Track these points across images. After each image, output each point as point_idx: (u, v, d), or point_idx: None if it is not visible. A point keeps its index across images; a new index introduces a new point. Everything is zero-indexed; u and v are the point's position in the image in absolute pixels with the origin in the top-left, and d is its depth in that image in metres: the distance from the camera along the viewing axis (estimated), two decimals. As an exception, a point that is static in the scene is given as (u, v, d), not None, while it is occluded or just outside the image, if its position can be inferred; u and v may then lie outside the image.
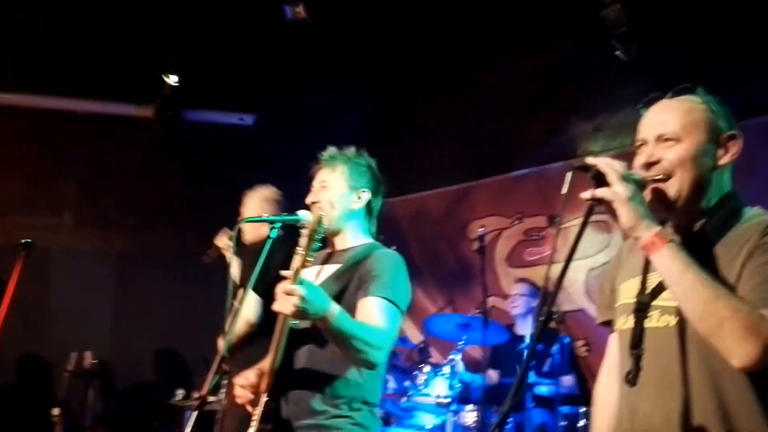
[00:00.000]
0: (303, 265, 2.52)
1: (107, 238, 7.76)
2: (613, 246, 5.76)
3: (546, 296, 5.03)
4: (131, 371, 7.46)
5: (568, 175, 1.87)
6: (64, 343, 6.91)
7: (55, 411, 6.32)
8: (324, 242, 2.97)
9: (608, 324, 2.25)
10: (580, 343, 5.72)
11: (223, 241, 5.00)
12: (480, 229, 5.81)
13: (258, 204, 4.73)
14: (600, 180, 1.88)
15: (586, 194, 1.88)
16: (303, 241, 2.58)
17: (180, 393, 6.91)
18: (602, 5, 4.95)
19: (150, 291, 7.54)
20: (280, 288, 2.45)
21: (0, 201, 7.54)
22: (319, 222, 2.61)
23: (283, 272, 2.52)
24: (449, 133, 6.91)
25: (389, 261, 2.85)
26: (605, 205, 1.88)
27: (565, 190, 1.84)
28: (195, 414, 2.50)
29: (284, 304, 2.44)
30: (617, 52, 4.97)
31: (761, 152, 4.66)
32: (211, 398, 4.88)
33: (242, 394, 2.75)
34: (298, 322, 2.66)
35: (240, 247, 4.49)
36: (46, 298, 7.24)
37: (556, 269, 1.81)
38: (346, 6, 5.65)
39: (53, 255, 7.41)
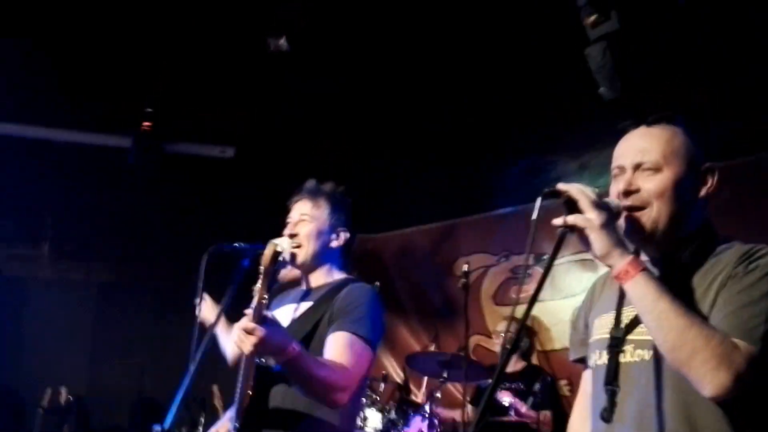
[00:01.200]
0: (260, 304, 2.51)
1: (87, 270, 7.86)
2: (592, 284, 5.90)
3: (530, 334, 5.19)
4: (108, 407, 7.46)
5: (538, 201, 1.87)
6: (39, 378, 6.96)
7: None
8: (300, 280, 3.05)
9: (581, 361, 2.24)
10: (563, 382, 5.85)
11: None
12: (465, 266, 5.89)
13: None
14: (572, 207, 1.89)
15: (557, 221, 1.89)
16: (260, 277, 2.58)
17: (156, 429, 6.95)
18: (586, 43, 5.09)
19: (129, 323, 7.58)
20: (240, 325, 2.46)
21: None
22: (274, 257, 2.61)
23: (246, 310, 2.52)
24: (433, 170, 6.99)
25: (360, 295, 2.85)
26: (577, 233, 1.88)
27: (534, 215, 1.85)
28: None
29: (244, 341, 2.45)
30: (600, 90, 5.11)
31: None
32: None
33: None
34: (262, 360, 2.68)
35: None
36: (20, 332, 7.29)
37: (541, 306, 1.87)
38: (326, 40, 5.72)
39: (30, 286, 7.52)
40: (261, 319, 2.49)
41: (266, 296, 2.55)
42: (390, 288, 6.96)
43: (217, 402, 6.48)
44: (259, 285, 2.56)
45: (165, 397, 7.06)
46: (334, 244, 3.01)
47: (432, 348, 6.79)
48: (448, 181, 7.06)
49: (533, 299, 1.81)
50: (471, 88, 6.07)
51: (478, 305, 6.87)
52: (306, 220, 2.98)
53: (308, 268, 3.00)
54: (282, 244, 2.75)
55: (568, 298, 6.06)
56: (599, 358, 2.07)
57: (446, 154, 6.83)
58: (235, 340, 2.51)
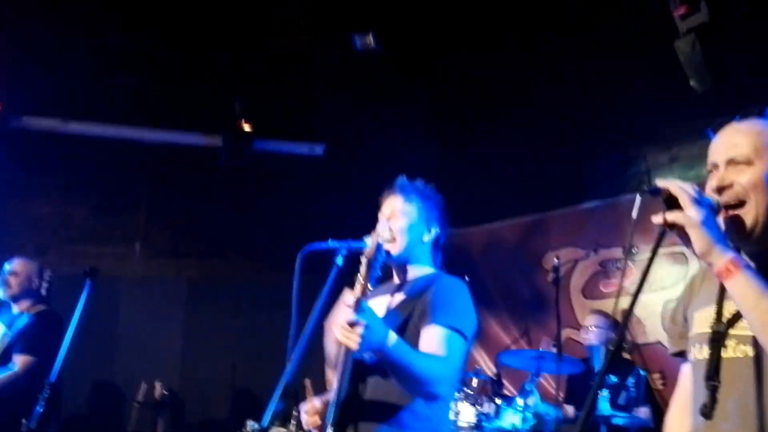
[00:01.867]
0: (363, 293, 2.58)
1: (177, 267, 8.01)
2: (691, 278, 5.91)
3: (618, 327, 5.22)
4: (202, 402, 7.58)
5: (638, 199, 1.89)
6: (133, 373, 7.14)
7: None
8: (391, 273, 3.13)
9: (681, 354, 2.23)
10: (656, 375, 5.80)
11: None
12: (555, 260, 5.98)
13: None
14: (672, 204, 1.89)
15: (657, 218, 1.89)
16: (362, 268, 2.65)
17: (251, 425, 7.18)
18: (676, 35, 5.09)
19: (220, 319, 7.66)
20: (343, 320, 2.53)
21: (71, 230, 7.88)
22: (377, 249, 2.68)
23: (346, 302, 2.62)
24: (522, 163, 7.06)
25: (453, 288, 2.92)
26: (677, 230, 1.88)
27: (635, 214, 1.89)
28: None
29: (348, 336, 2.51)
30: (691, 82, 5.16)
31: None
32: (281, 429, 5.09)
33: (309, 420, 2.87)
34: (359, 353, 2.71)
35: None
36: (116, 328, 7.45)
37: (627, 300, 1.86)
38: (414, 36, 5.88)
39: (123, 284, 7.64)
40: (361, 311, 2.55)
41: (370, 287, 2.63)
42: (479, 282, 6.96)
43: (310, 396, 6.66)
44: (361, 275, 2.63)
45: (257, 392, 7.21)
46: (426, 238, 3.08)
47: (523, 342, 6.93)
48: (537, 175, 7.10)
49: (635, 297, 1.82)
50: (561, 80, 6.15)
51: (567, 299, 6.88)
52: (398, 215, 3.05)
53: (401, 263, 3.06)
54: (384, 234, 2.84)
55: (658, 291, 6.02)
56: (700, 353, 2.06)
57: (535, 148, 6.88)
58: (338, 336, 2.58)
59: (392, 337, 2.60)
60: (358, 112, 6.74)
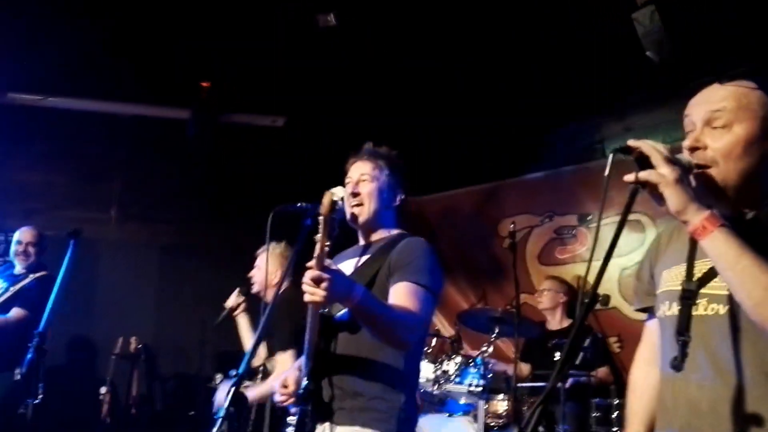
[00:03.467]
0: (322, 250, 2.41)
1: (151, 232, 7.90)
2: (646, 245, 5.61)
3: (580, 292, 4.91)
4: (174, 355, 7.60)
5: (610, 157, 1.72)
6: (111, 329, 7.12)
7: (103, 390, 6.66)
8: (357, 238, 2.98)
9: (645, 311, 2.14)
10: (613, 339, 5.65)
11: (233, 300, 5.13)
12: (511, 226, 5.70)
13: (273, 260, 4.93)
14: (643, 163, 1.75)
15: (629, 177, 1.74)
16: (320, 226, 2.47)
17: (218, 377, 6.98)
18: (634, 7, 4.81)
19: (191, 281, 7.62)
20: (307, 277, 2.36)
21: (53, 196, 7.78)
22: (332, 205, 2.48)
23: (308, 264, 2.41)
24: (477, 131, 6.79)
25: (417, 247, 2.77)
26: (649, 188, 1.74)
27: (607, 171, 1.70)
28: (230, 393, 2.38)
29: (315, 292, 2.36)
30: (648, 53, 4.81)
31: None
32: (247, 382, 4.95)
33: (283, 396, 2.75)
34: (325, 309, 2.63)
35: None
36: (94, 287, 7.39)
37: (590, 265, 1.73)
38: (372, 12, 5.65)
39: (101, 247, 7.59)
40: (323, 268, 2.36)
41: (328, 244, 2.42)
42: (436, 248, 6.70)
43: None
44: (319, 234, 2.44)
45: (225, 348, 7.14)
46: (393, 204, 2.94)
47: (480, 307, 6.62)
48: (492, 143, 6.85)
49: (608, 256, 1.66)
50: (515, 48, 5.84)
51: (523, 265, 6.59)
52: (367, 179, 2.89)
53: (369, 227, 2.91)
54: (338, 192, 2.60)
55: (615, 258, 5.69)
56: (669, 309, 1.95)
57: (490, 116, 6.58)
58: (305, 295, 2.40)
59: (358, 288, 2.47)
60: (318, 85, 6.53)
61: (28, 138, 7.51)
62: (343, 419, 2.62)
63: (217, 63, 6.58)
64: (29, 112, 7.32)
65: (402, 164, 2.99)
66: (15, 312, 5.28)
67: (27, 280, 5.36)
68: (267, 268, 4.72)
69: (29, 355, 3.89)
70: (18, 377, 3.94)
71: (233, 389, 2.44)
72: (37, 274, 5.41)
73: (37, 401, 4.02)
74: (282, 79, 6.63)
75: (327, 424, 2.64)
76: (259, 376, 4.88)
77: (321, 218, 2.45)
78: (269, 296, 4.80)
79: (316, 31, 5.69)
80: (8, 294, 5.37)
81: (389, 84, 6.47)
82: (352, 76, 6.37)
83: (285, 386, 2.75)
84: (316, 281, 2.34)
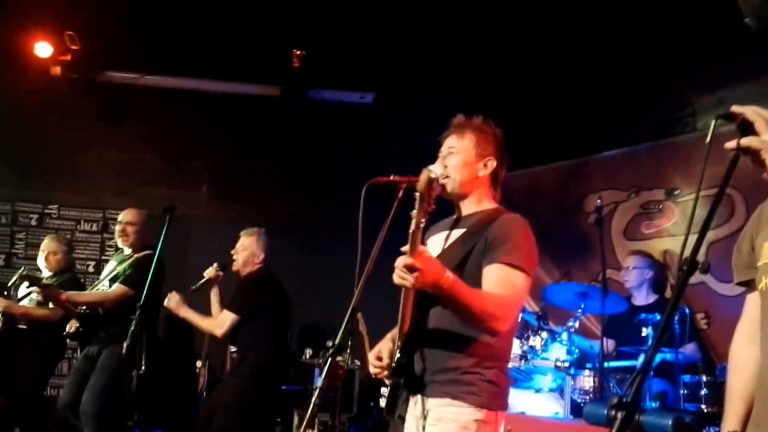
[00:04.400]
0: (417, 228, 2.41)
1: (240, 209, 7.99)
2: (736, 219, 5.47)
3: (668, 267, 4.85)
4: None
5: (712, 123, 1.72)
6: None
7: (198, 364, 6.83)
8: (452, 209, 2.94)
9: (746, 284, 2.10)
10: (700, 315, 5.50)
11: (211, 272, 5.30)
12: (598, 201, 5.61)
13: (257, 243, 5.49)
14: (745, 130, 1.73)
15: (731, 144, 1.73)
16: (416, 203, 2.46)
17: (309, 352, 7.13)
18: None
19: (279, 258, 7.57)
20: (399, 263, 2.37)
21: (144, 174, 8.05)
22: (429, 183, 2.47)
23: (403, 248, 2.41)
24: (564, 107, 6.67)
25: (514, 225, 2.74)
26: (751, 156, 1.73)
27: (709, 137, 1.70)
28: (326, 367, 2.48)
29: (405, 278, 2.36)
30: (746, 20, 4.63)
31: None
32: (338, 357, 5.09)
33: (376, 369, 2.76)
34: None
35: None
36: (185, 263, 7.46)
37: (675, 240, 1.69)
38: None
39: (192, 224, 7.82)
40: (417, 254, 2.37)
41: (423, 221, 2.43)
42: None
43: (362, 328, 6.45)
44: (415, 211, 2.43)
45: (318, 324, 7.28)
46: (482, 173, 2.88)
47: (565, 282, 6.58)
48: (578, 119, 6.73)
49: (704, 229, 1.65)
50: (604, 23, 5.70)
51: (608, 240, 6.48)
52: (453, 152, 2.87)
53: (457, 197, 2.89)
54: (435, 170, 2.60)
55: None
56: None
57: (577, 92, 6.47)
58: (395, 279, 2.42)
59: (449, 276, 2.44)
60: (409, 61, 6.48)
61: (122, 117, 7.63)
62: (434, 392, 2.63)
63: (306, 38, 6.57)
64: (123, 90, 7.43)
65: (494, 130, 2.94)
66: (116, 288, 5.41)
67: (130, 260, 5.48)
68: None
69: (131, 328, 4.17)
70: (123, 351, 4.14)
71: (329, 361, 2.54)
72: (140, 254, 5.47)
73: (141, 372, 4.31)
74: (371, 55, 6.58)
75: (419, 397, 2.67)
76: None
77: (417, 194, 2.45)
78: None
79: (406, 8, 5.64)
80: (113, 273, 5.54)
81: (476, 64, 6.40)
82: (439, 54, 6.31)
83: (379, 359, 2.77)
84: (409, 269, 2.35)
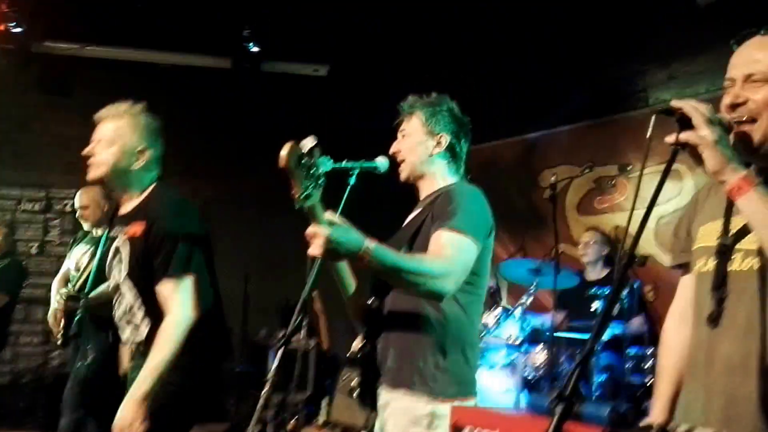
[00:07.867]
0: (306, 200, 2.22)
1: (192, 186, 7.68)
2: (684, 194, 5.59)
3: (620, 243, 4.97)
4: None
5: (652, 119, 1.77)
6: None
7: None
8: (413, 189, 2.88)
9: (681, 267, 2.16)
10: (647, 288, 5.64)
11: None
12: (552, 177, 5.71)
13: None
14: (685, 123, 1.78)
15: (670, 138, 1.79)
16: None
17: (263, 332, 7.15)
18: None
19: (235, 237, 7.55)
20: (307, 232, 2.27)
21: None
22: (289, 155, 2.18)
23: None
24: (519, 82, 6.75)
25: (455, 193, 2.65)
26: (689, 149, 1.79)
27: (649, 133, 1.76)
28: (280, 351, 2.42)
29: (312, 246, 2.26)
30: None
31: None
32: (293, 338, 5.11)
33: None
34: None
35: None
36: None
37: (627, 216, 1.78)
38: None
39: None
40: (324, 223, 2.29)
41: (311, 192, 2.24)
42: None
43: (317, 307, 6.50)
44: (296, 189, 2.24)
45: (265, 304, 7.28)
46: (435, 150, 2.79)
47: (519, 257, 6.66)
48: (533, 94, 6.79)
49: (646, 215, 1.70)
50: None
51: (563, 215, 6.62)
52: (404, 135, 2.82)
53: (415, 180, 2.83)
54: (307, 144, 2.31)
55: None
56: (705, 265, 1.99)
57: (532, 67, 6.55)
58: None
59: (369, 242, 2.30)
60: (363, 33, 6.52)
61: (66, 89, 7.56)
62: (389, 382, 2.62)
63: (258, 10, 6.53)
64: (67, 62, 7.31)
65: (444, 104, 2.84)
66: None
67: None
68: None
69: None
70: None
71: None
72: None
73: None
74: (326, 25, 6.55)
75: (382, 386, 2.65)
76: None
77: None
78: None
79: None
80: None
81: (432, 38, 6.46)
82: (394, 26, 6.32)
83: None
84: (313, 237, 2.25)
